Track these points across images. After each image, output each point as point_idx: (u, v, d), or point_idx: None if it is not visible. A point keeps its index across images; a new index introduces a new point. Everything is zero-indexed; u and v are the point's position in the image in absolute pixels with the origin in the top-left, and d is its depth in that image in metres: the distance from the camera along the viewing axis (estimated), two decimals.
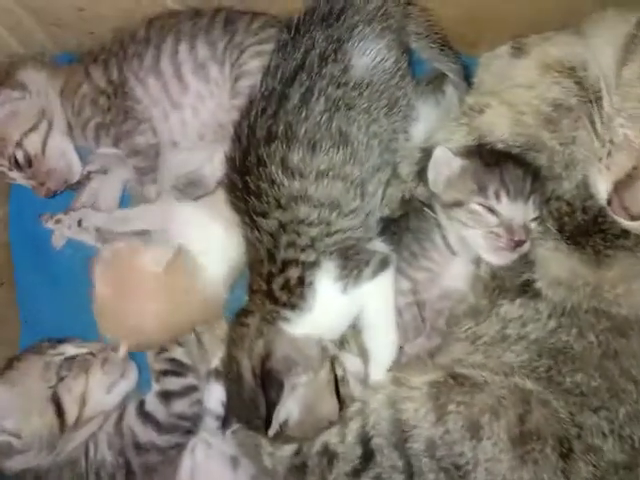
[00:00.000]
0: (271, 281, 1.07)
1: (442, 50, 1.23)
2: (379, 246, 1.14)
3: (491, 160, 1.13)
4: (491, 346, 1.09)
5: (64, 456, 1.09)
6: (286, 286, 1.06)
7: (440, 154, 1.14)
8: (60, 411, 1.07)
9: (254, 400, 1.04)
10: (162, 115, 1.27)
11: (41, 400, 1.06)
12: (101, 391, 1.11)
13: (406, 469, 1.02)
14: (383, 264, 1.10)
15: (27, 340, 1.28)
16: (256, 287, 1.09)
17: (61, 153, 1.29)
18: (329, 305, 1.07)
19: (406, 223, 1.21)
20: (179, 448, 1.12)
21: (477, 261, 1.16)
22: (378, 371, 1.13)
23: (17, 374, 1.09)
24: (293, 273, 1.06)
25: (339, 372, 1.12)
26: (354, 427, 1.07)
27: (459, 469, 0.99)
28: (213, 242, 1.22)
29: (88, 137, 1.29)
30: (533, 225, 1.10)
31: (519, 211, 1.08)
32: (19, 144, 1.24)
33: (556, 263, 1.13)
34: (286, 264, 1.06)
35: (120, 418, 1.12)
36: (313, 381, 1.07)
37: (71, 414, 1.07)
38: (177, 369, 1.15)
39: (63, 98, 1.28)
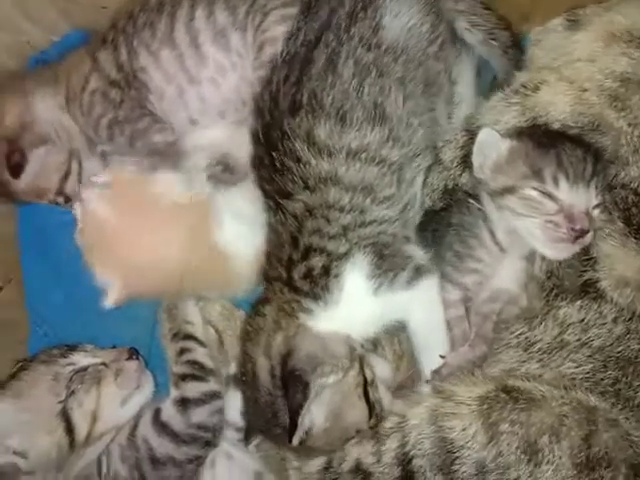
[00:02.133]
0: (291, 268, 0.98)
1: (491, 34, 1.11)
2: (418, 254, 1.04)
3: (545, 140, 1.01)
4: (548, 354, 0.98)
5: (74, 476, 1.01)
6: (309, 275, 0.97)
7: (486, 136, 1.03)
8: (70, 427, 0.99)
9: (272, 405, 0.95)
10: (177, 93, 1.15)
11: (50, 416, 0.99)
12: (114, 405, 1.03)
13: None
14: (420, 272, 1.01)
15: (36, 340, 1.21)
16: (274, 274, 1.01)
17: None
18: (358, 303, 0.99)
19: (448, 218, 1.10)
20: (198, 462, 1.04)
21: (530, 257, 1.05)
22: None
23: (24, 386, 1.01)
24: (317, 262, 0.97)
25: (368, 375, 1.02)
26: (392, 446, 0.97)
27: None
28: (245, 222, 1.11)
29: (102, 137, 1.19)
30: (596, 213, 0.98)
31: (580, 197, 0.96)
32: (58, 192, 1.21)
33: (623, 261, 1.01)
34: (309, 251, 0.97)
35: (134, 428, 1.04)
36: (340, 383, 0.98)
37: (82, 431, 0.99)
38: (198, 373, 1.07)
39: (70, 103, 1.18)
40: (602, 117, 1.03)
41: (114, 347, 1.11)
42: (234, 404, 1.06)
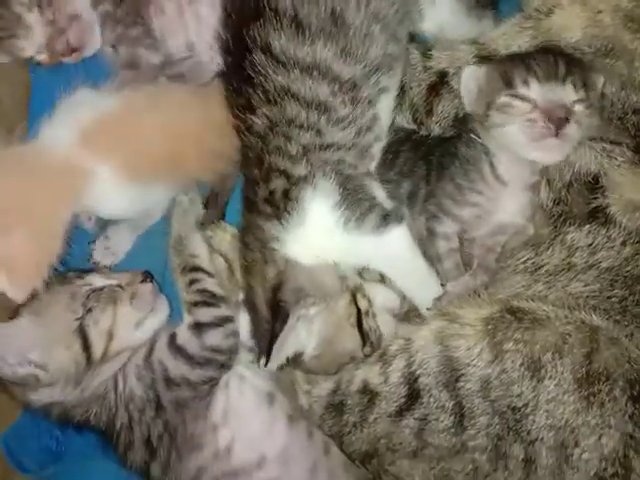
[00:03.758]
0: (257, 192, 0.99)
1: None
2: (381, 194, 1.04)
3: (516, 55, 1.04)
4: (554, 276, 0.99)
5: (91, 391, 1.04)
6: (270, 199, 0.98)
7: (467, 72, 1.04)
8: (86, 344, 1.01)
9: (267, 332, 0.98)
10: (177, 12, 1.15)
11: (67, 332, 1.01)
12: (129, 326, 1.04)
13: (456, 411, 0.94)
14: (387, 220, 1.01)
15: None
16: (247, 195, 1.03)
17: (85, 8, 1.19)
18: (328, 235, 0.99)
19: (455, 148, 1.09)
20: (212, 383, 1.05)
21: (535, 187, 1.04)
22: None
23: (42, 305, 1.03)
24: (278, 184, 0.97)
25: (363, 305, 1.04)
26: (398, 366, 0.99)
27: (516, 412, 0.90)
28: None
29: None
30: (579, 108, 0.96)
31: (554, 93, 0.96)
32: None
33: (632, 187, 1.00)
34: (270, 172, 0.98)
35: (150, 351, 1.06)
36: (330, 313, 1.00)
37: (98, 348, 1.02)
38: (209, 300, 1.08)
39: None
40: (616, 39, 1.00)
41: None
42: (244, 327, 1.07)
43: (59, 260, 1.02)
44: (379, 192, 1.05)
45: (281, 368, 1.08)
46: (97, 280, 1.06)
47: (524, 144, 0.96)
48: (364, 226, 0.99)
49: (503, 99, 0.97)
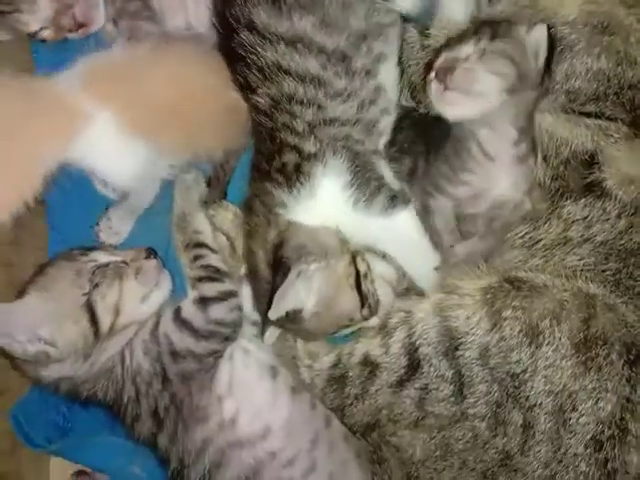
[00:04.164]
0: (270, 162, 1.02)
1: None
2: (388, 174, 1.06)
3: None
4: (551, 249, 1.00)
5: (100, 366, 1.06)
6: (282, 170, 1.00)
7: None
8: (94, 319, 1.03)
9: (268, 292, 1.00)
10: None
11: (75, 307, 1.02)
12: (135, 300, 1.06)
13: (456, 379, 0.96)
14: (395, 202, 1.04)
15: (55, 248, 1.24)
16: (258, 168, 1.05)
17: None
18: (336, 210, 1.02)
19: (449, 128, 1.09)
20: (216, 355, 1.07)
21: (524, 160, 1.05)
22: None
23: (49, 280, 1.04)
24: (290, 158, 1.00)
25: (362, 267, 1.06)
26: (399, 337, 1.01)
27: (514, 378, 0.92)
28: None
29: None
30: (473, 57, 0.96)
31: (451, 53, 0.98)
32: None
33: (628, 161, 1.02)
34: (283, 147, 1.00)
35: (156, 325, 1.08)
36: (329, 272, 1.03)
37: (105, 322, 1.03)
38: (213, 275, 1.10)
39: None
40: (611, 15, 1.01)
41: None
42: (248, 301, 1.10)
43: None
44: (386, 171, 1.07)
45: (284, 340, 1.11)
46: (102, 256, 1.08)
47: (435, 104, 1.00)
48: (372, 207, 1.02)
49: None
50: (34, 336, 0.99)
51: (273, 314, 0.99)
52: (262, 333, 1.05)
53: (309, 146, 0.99)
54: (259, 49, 0.97)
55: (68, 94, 1.03)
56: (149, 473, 1.12)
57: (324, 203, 1.02)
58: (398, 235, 1.06)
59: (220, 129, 1.12)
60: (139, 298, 1.06)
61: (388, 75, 1.05)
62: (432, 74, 0.98)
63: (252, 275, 1.06)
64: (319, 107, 0.99)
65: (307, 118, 0.99)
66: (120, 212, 1.23)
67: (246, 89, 1.03)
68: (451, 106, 0.99)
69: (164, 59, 1.09)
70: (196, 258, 1.12)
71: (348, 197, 1.01)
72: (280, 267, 1.00)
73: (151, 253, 1.09)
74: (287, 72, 0.97)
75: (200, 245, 1.13)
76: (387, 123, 1.07)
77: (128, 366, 1.05)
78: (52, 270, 1.04)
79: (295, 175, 1.00)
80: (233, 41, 1.00)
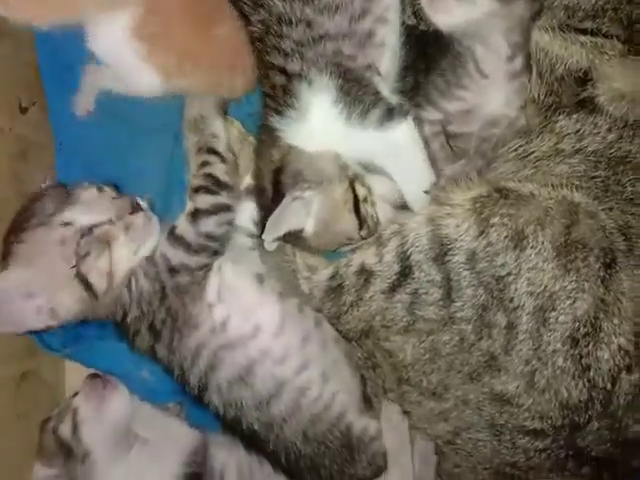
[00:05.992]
0: (263, 85, 1.05)
1: None
2: (385, 88, 1.07)
3: None
4: (543, 160, 1.03)
5: (108, 301, 1.06)
6: (273, 95, 1.04)
7: None
8: (89, 286, 1.01)
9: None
10: None
11: (66, 279, 0.99)
12: (127, 258, 1.05)
13: (444, 284, 0.99)
14: (392, 114, 1.04)
15: (63, 164, 1.27)
16: (264, 90, 1.08)
17: None
18: (330, 128, 1.04)
19: (451, 43, 1.11)
20: (206, 269, 1.10)
21: (518, 75, 1.07)
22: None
23: (30, 251, 0.99)
24: (277, 81, 1.02)
25: (361, 192, 1.10)
26: (392, 246, 1.04)
27: (499, 281, 0.96)
28: None
29: None
30: None
31: None
32: None
33: (620, 77, 1.04)
34: (271, 69, 1.03)
35: (153, 252, 1.08)
36: (327, 197, 1.06)
37: (100, 287, 1.02)
38: (212, 186, 1.10)
39: None
40: None
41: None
42: (246, 213, 1.14)
43: None
44: (384, 87, 1.07)
45: (283, 254, 1.16)
46: (81, 217, 1.01)
47: (426, 11, 1.01)
48: (367, 120, 1.03)
49: None
50: (34, 308, 0.98)
51: (267, 237, 1.04)
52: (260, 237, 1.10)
53: (292, 65, 1.01)
54: None
55: None
56: (158, 377, 1.19)
57: (316, 122, 1.03)
58: (396, 149, 1.06)
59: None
60: (131, 253, 1.05)
61: None
62: None
63: (260, 192, 1.10)
64: (308, 24, 1.00)
65: (296, 37, 1.00)
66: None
67: (245, 23, 1.05)
68: (442, 14, 1.00)
69: None
70: (203, 164, 1.11)
71: (339, 112, 1.02)
72: (278, 191, 1.04)
73: (136, 205, 1.05)
74: None
75: (212, 151, 1.12)
76: (386, 33, 1.05)
77: (133, 291, 1.07)
78: (32, 239, 1.00)
79: (283, 98, 1.02)
80: None
